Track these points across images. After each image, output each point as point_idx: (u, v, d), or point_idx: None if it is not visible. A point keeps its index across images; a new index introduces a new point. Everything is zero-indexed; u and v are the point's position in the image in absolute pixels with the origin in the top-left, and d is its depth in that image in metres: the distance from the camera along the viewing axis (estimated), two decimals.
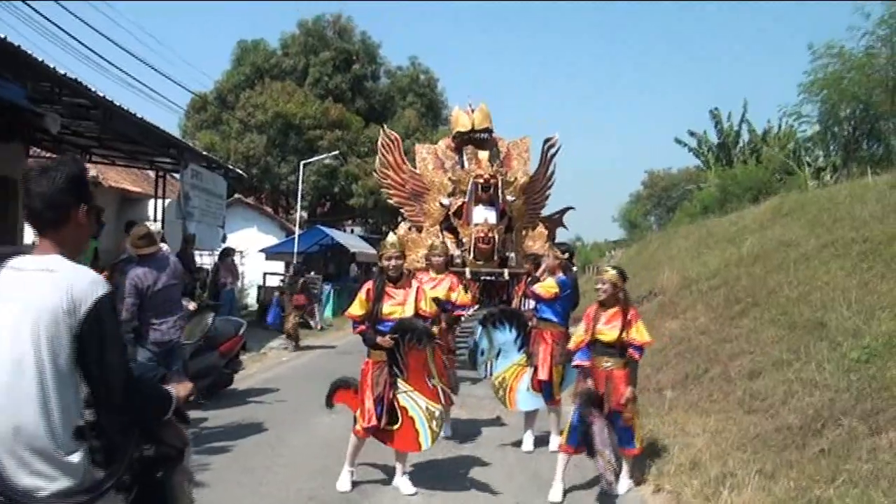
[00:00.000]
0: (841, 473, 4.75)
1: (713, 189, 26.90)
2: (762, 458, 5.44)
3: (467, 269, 10.24)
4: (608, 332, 5.48)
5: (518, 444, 7.04)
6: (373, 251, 26.50)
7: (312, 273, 20.70)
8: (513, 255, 10.77)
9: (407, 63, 34.90)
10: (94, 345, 2.01)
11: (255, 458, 6.24)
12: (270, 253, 24.22)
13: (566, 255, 7.14)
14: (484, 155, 11.11)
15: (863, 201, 10.78)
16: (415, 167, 11.77)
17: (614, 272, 5.66)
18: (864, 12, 18.53)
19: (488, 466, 6.33)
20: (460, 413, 7.98)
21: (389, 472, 5.77)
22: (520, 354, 7.03)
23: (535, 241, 11.08)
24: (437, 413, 5.43)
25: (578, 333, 5.71)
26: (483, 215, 10.48)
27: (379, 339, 5.35)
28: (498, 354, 7.10)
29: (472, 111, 11.55)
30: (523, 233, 11.39)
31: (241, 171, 20.20)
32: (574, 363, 5.82)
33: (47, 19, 23.71)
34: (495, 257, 10.49)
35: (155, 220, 14.73)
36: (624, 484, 5.64)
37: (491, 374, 7.26)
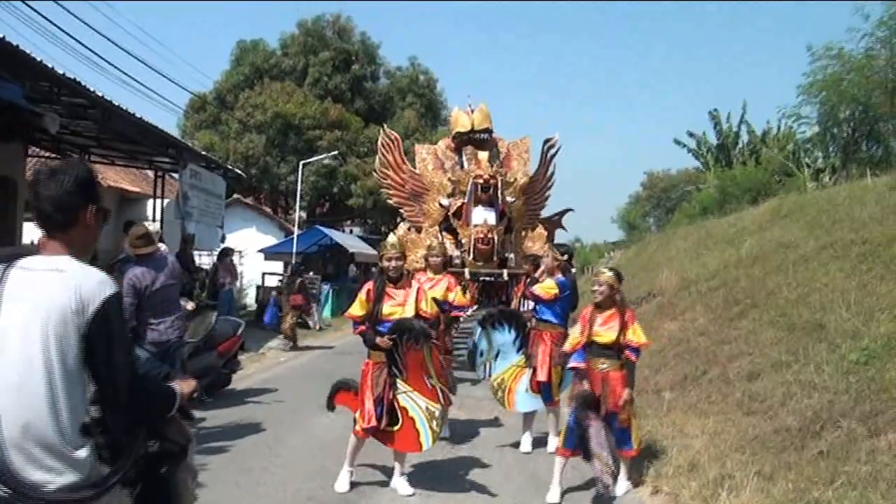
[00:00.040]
0: (839, 475, 4.75)
1: (712, 190, 26.91)
2: (761, 459, 5.44)
3: (466, 270, 10.22)
4: (605, 333, 5.47)
5: (516, 445, 7.04)
6: (372, 251, 26.51)
7: (311, 273, 20.70)
8: (512, 255, 10.74)
9: (406, 63, 34.93)
10: (101, 344, 2.05)
11: (252, 458, 6.23)
12: (269, 253, 24.22)
13: (565, 257, 7.13)
14: (483, 155, 11.09)
15: (862, 203, 10.78)
16: (414, 167, 11.75)
17: (610, 274, 5.65)
18: (863, 14, 18.54)
19: (486, 467, 6.32)
20: (459, 414, 7.97)
21: (387, 473, 5.76)
22: (518, 356, 7.02)
23: (535, 243, 11.05)
24: (436, 413, 5.43)
25: (574, 335, 5.70)
26: (482, 216, 10.46)
27: (378, 340, 5.35)
28: (497, 356, 7.09)
29: (472, 111, 11.52)
30: (523, 234, 11.37)
31: (240, 172, 20.19)
32: (570, 365, 5.81)
33: (47, 19, 23.71)
34: (495, 258, 10.47)
35: (154, 220, 14.73)
36: (622, 485, 5.63)
37: (490, 376, 7.25)
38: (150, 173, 16.49)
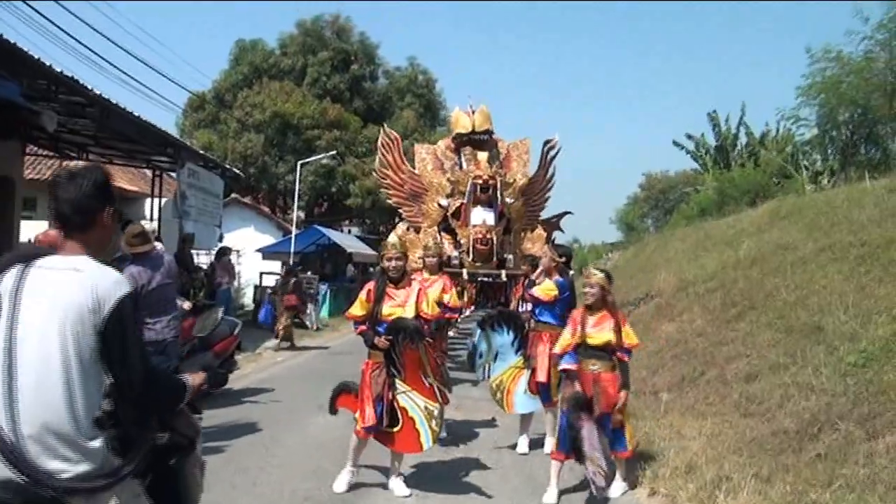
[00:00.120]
0: (837, 478, 4.74)
1: (711, 192, 26.91)
2: (758, 461, 5.43)
3: (465, 270, 10.21)
4: (597, 335, 5.46)
5: (513, 446, 7.03)
6: (370, 251, 26.51)
7: (309, 273, 20.67)
8: (511, 256, 10.73)
9: (405, 63, 34.97)
10: (116, 340, 2.14)
11: (249, 458, 6.21)
12: (267, 253, 24.21)
13: (563, 259, 7.12)
14: (483, 156, 11.09)
15: (860, 205, 10.77)
16: (414, 167, 11.74)
17: (601, 275, 5.65)
18: (862, 16, 18.49)
19: (483, 468, 6.31)
20: (455, 415, 7.96)
21: (384, 474, 5.74)
22: (517, 357, 7.00)
23: (534, 244, 11.05)
24: (435, 412, 5.43)
25: (565, 337, 5.69)
26: (481, 216, 10.45)
27: (375, 340, 5.34)
28: (496, 357, 7.08)
29: (473, 112, 11.51)
30: (522, 234, 11.36)
31: (238, 171, 20.18)
32: (561, 367, 5.80)
33: (46, 18, 23.56)
34: (493, 259, 10.46)
35: (151, 219, 14.71)
36: (618, 487, 5.61)
37: (489, 377, 7.24)
38: (148, 172, 16.48)
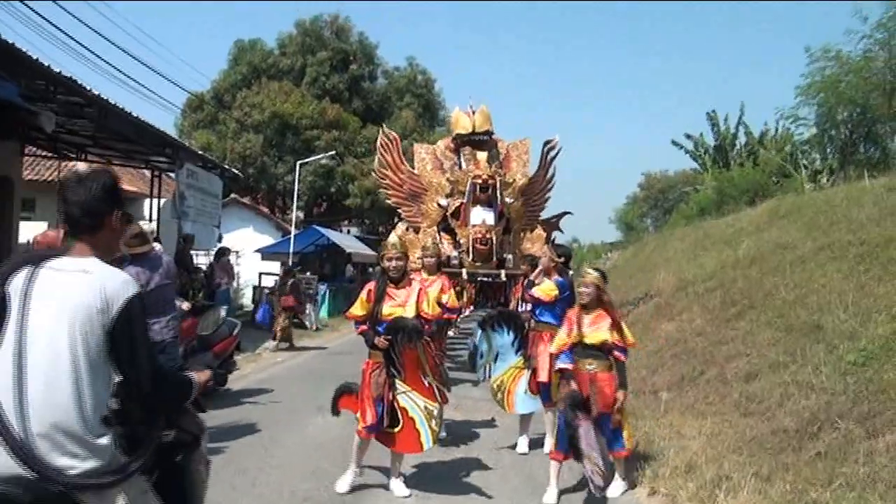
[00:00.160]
0: (837, 477, 4.73)
1: (710, 191, 26.94)
2: (758, 460, 5.42)
3: (464, 270, 10.20)
4: (593, 334, 5.46)
5: (513, 446, 7.02)
6: (369, 252, 26.50)
7: (308, 273, 20.66)
8: (510, 256, 10.72)
9: (404, 63, 34.99)
10: (125, 340, 2.20)
11: (248, 459, 6.20)
12: (266, 253, 24.18)
13: (562, 259, 7.11)
14: (482, 156, 11.07)
15: (860, 204, 10.77)
16: (413, 167, 11.73)
17: (596, 274, 5.66)
18: (861, 16, 18.51)
19: (483, 468, 6.30)
20: (455, 415, 7.95)
21: (384, 475, 5.73)
22: (517, 357, 6.99)
23: (534, 244, 11.03)
24: (435, 412, 5.42)
25: (560, 337, 5.70)
26: (481, 216, 10.44)
27: (375, 340, 5.34)
28: (496, 358, 7.07)
29: (473, 113, 11.49)
30: (521, 235, 11.35)
31: (236, 171, 20.17)
32: (557, 367, 5.81)
33: (44, 18, 23.57)
34: (493, 258, 10.45)
35: (150, 220, 14.70)
36: (618, 486, 5.61)
37: (489, 378, 7.23)
38: (147, 173, 16.47)
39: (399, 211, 11.73)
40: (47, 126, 9.31)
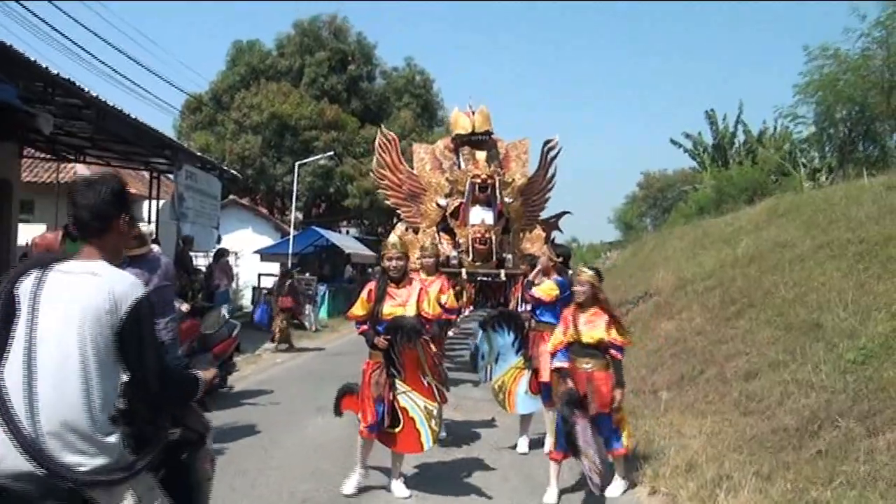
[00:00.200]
0: (838, 475, 4.73)
1: (709, 190, 26.91)
2: (758, 459, 5.42)
3: (464, 270, 10.19)
4: (589, 332, 5.47)
5: (513, 446, 7.01)
6: (368, 252, 26.50)
7: (308, 274, 20.66)
8: (510, 256, 10.71)
9: (403, 64, 34.94)
10: (133, 341, 2.24)
11: (248, 460, 6.20)
12: (265, 254, 24.18)
13: (560, 259, 7.11)
14: (482, 155, 11.05)
15: (858, 202, 10.77)
16: (412, 167, 11.71)
17: (591, 273, 5.69)
18: (859, 14, 18.49)
19: (483, 469, 6.29)
20: (455, 415, 7.95)
21: (385, 474, 5.73)
22: (517, 357, 7.00)
23: (533, 244, 11.02)
24: (434, 412, 5.41)
25: (556, 336, 5.72)
26: (480, 216, 10.42)
27: (375, 340, 5.34)
28: (497, 358, 7.07)
29: (473, 113, 11.47)
30: (521, 234, 11.33)
31: (235, 172, 20.16)
32: (554, 365, 5.81)
33: (41, 19, 23.61)
34: (493, 258, 10.44)
35: (149, 222, 14.68)
36: (619, 485, 5.61)
37: (491, 378, 7.22)
38: (146, 174, 16.44)
39: (398, 211, 11.71)
40: (45, 128, 9.30)
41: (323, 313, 20.31)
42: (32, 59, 8.23)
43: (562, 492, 5.49)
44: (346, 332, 17.57)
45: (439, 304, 6.15)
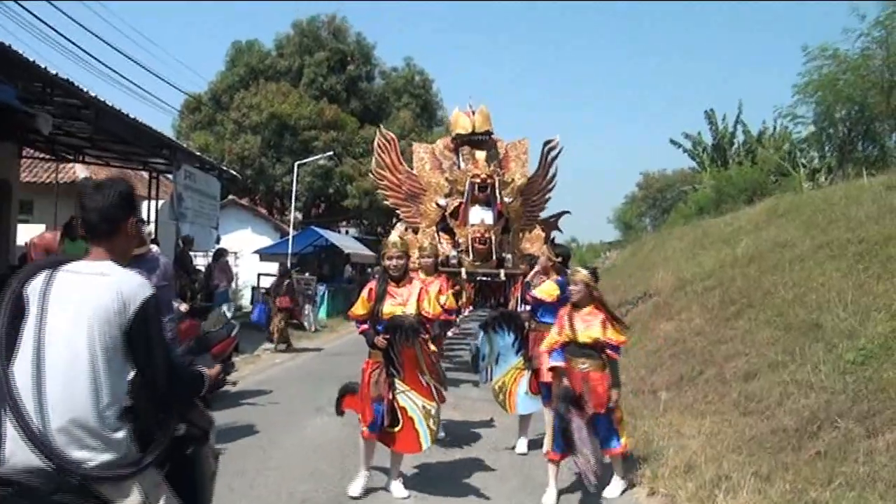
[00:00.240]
0: (837, 476, 4.72)
1: (708, 190, 26.91)
2: (758, 460, 5.41)
3: (463, 270, 10.18)
4: (584, 332, 5.47)
5: (512, 446, 7.00)
6: (367, 252, 26.49)
7: (307, 274, 20.64)
8: (509, 256, 10.70)
9: (402, 64, 34.90)
10: (141, 339, 2.30)
11: (246, 460, 6.18)
12: (265, 254, 24.16)
13: (559, 259, 7.10)
14: (481, 155, 11.03)
15: (858, 202, 10.76)
16: (411, 167, 11.70)
17: (585, 272, 5.71)
18: (859, 14, 18.48)
19: (482, 469, 6.29)
20: (454, 415, 7.94)
21: (383, 476, 5.71)
22: (517, 358, 6.99)
23: (533, 244, 11.01)
24: (432, 411, 5.41)
25: (552, 335, 5.72)
26: (479, 216, 10.41)
27: (375, 339, 5.33)
28: (497, 359, 7.07)
29: (473, 113, 11.46)
30: (520, 234, 11.33)
31: (234, 172, 20.16)
32: (550, 364, 5.81)
33: (40, 20, 23.51)
34: (493, 258, 10.42)
35: (148, 222, 14.67)
36: (617, 486, 5.61)
37: (491, 380, 7.22)
38: (145, 174, 16.43)
39: (397, 211, 11.70)
40: (44, 128, 9.29)
41: (322, 313, 20.30)
42: (31, 59, 8.22)
43: (560, 492, 5.48)
44: (345, 332, 17.57)
45: (438, 304, 6.15)
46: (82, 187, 2.55)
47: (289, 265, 19.26)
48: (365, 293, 5.51)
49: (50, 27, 21.53)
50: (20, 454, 2.15)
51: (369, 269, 24.86)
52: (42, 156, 14.97)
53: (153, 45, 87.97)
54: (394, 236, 5.73)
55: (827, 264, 8.82)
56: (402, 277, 5.50)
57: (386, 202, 11.99)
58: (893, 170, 15.04)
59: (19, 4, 11.44)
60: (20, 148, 13.66)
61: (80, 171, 17.12)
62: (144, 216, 15.14)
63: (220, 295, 14.61)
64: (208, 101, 30.75)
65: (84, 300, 2.26)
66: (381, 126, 13.71)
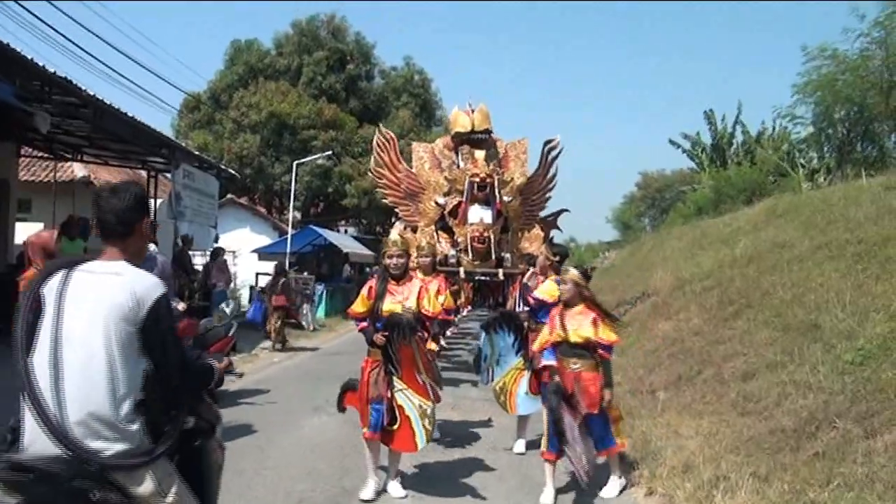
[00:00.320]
0: (835, 477, 4.71)
1: (707, 190, 26.88)
2: (756, 460, 5.40)
3: (462, 269, 10.16)
4: (575, 331, 5.47)
5: (510, 446, 7.00)
6: (366, 251, 26.48)
7: (306, 273, 20.62)
8: (508, 255, 10.68)
9: (401, 63, 34.92)
10: (155, 336, 2.42)
11: (244, 460, 6.16)
12: (263, 253, 24.15)
13: (557, 259, 7.10)
14: (480, 154, 11.01)
15: (857, 203, 10.75)
16: (411, 166, 11.69)
17: (575, 272, 5.74)
18: (858, 14, 18.46)
19: (480, 469, 6.28)
20: (452, 415, 7.93)
21: (381, 475, 5.70)
22: (517, 358, 6.99)
23: (532, 243, 11.00)
24: (428, 410, 5.41)
25: (543, 335, 5.73)
26: (479, 215, 10.39)
27: (374, 337, 5.33)
28: (498, 360, 7.07)
29: (472, 112, 11.45)
30: (519, 234, 11.31)
31: (233, 171, 20.13)
32: (541, 363, 5.82)
33: (39, 18, 23.55)
34: (492, 257, 10.41)
35: None
36: (615, 485, 5.60)
37: (492, 380, 7.21)
38: (143, 173, 16.42)
39: (396, 210, 11.69)
40: (42, 127, 9.27)
41: (320, 313, 20.27)
42: (30, 57, 8.20)
43: (558, 492, 5.48)
44: (343, 331, 17.56)
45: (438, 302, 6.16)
46: (99, 190, 2.65)
47: (287, 264, 19.25)
48: (365, 291, 5.52)
49: (49, 26, 21.47)
50: (40, 443, 2.28)
51: (368, 269, 24.85)
52: (40, 154, 14.95)
53: (153, 44, 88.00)
54: (394, 235, 5.73)
55: (826, 265, 8.82)
56: (402, 276, 5.50)
57: (385, 201, 11.96)
58: (892, 170, 15.03)
59: (19, 4, 11.43)
60: (18, 146, 13.65)
61: (78, 170, 17.09)
62: None
63: (218, 294, 14.60)
64: (207, 101, 30.73)
65: (99, 299, 2.38)
66: (381, 125, 13.70)
